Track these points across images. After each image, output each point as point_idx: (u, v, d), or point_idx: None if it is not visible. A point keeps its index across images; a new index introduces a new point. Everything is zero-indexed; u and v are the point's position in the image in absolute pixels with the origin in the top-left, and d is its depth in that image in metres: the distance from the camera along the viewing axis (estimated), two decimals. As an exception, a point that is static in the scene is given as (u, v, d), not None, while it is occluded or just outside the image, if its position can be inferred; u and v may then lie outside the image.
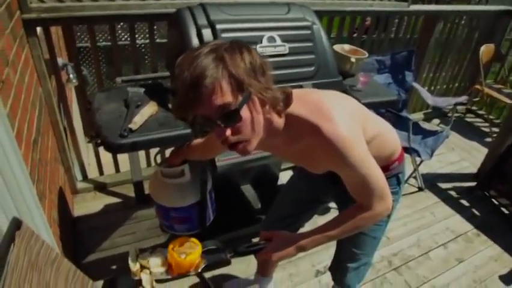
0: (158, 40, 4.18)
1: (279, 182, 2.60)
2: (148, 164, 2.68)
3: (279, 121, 1.00)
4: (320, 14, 2.00)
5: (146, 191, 2.30)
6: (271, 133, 1.00)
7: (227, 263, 1.27)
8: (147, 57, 2.35)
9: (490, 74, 4.27)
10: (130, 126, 1.40)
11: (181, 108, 0.86)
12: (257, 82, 0.86)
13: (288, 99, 0.97)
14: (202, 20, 1.61)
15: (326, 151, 0.96)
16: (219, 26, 1.57)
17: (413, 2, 3.00)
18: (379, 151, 1.16)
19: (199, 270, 1.11)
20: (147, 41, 3.00)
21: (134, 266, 1.09)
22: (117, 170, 2.68)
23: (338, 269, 1.49)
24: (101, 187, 2.57)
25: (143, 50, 4.96)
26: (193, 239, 1.13)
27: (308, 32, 1.75)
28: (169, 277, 1.13)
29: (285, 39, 1.67)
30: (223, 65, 0.82)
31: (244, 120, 0.87)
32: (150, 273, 1.09)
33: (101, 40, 5.23)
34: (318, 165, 1.12)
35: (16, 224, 0.86)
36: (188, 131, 1.46)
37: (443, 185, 3.01)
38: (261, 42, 1.62)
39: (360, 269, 1.46)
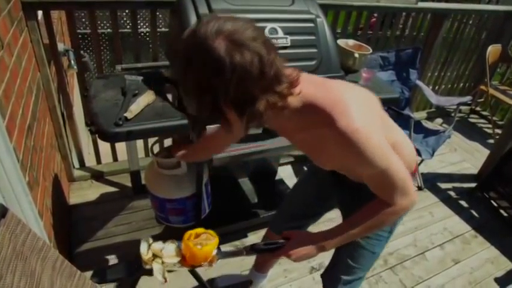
0: (163, 29, 4.12)
1: (277, 177, 2.58)
2: (146, 154, 2.66)
3: (292, 101, 0.91)
4: (325, 9, 1.95)
5: (143, 181, 2.28)
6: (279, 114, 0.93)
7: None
8: (150, 46, 2.30)
9: (496, 75, 4.22)
10: (126, 115, 1.38)
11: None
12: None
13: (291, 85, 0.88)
14: (203, 9, 1.57)
15: (341, 146, 0.90)
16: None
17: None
18: None
19: (213, 265, 1.07)
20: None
21: (146, 255, 1.05)
22: (115, 159, 2.66)
23: (331, 278, 1.44)
24: (98, 176, 2.55)
25: (147, 39, 4.92)
26: (210, 231, 1.09)
27: (311, 25, 1.71)
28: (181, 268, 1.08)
29: (288, 32, 1.63)
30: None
31: None
32: (162, 263, 1.05)
33: (105, 27, 5.18)
34: (328, 159, 1.05)
35: (1, 212, 0.84)
36: (184, 121, 1.43)
37: (443, 185, 2.98)
38: (263, 34, 1.59)
39: (353, 283, 1.40)
